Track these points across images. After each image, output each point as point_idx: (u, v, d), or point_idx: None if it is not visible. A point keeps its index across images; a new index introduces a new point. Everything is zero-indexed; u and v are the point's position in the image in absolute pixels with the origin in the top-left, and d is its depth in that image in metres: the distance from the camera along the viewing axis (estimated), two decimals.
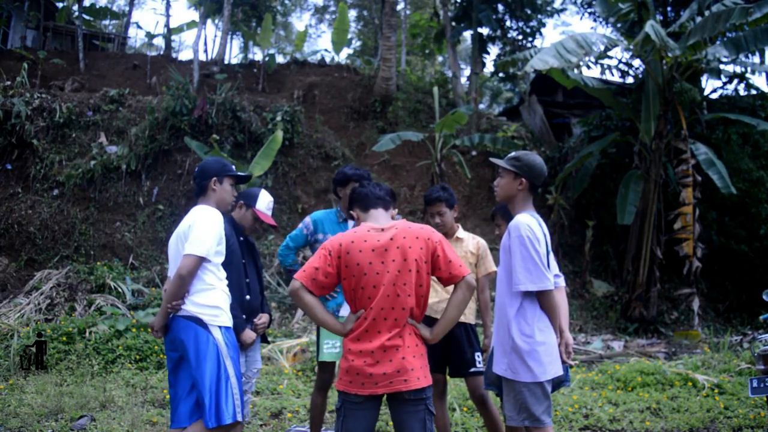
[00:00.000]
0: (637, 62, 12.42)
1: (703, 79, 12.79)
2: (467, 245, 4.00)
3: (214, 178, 3.42)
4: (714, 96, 13.21)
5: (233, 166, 3.58)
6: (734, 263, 11.79)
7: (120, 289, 8.49)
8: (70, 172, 10.80)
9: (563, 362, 3.02)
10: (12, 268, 9.44)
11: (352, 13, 24.36)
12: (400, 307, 2.70)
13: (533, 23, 17.92)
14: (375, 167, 13.26)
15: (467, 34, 19.57)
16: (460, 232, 4.05)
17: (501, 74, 18.94)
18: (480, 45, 17.47)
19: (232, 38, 21.39)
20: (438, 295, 3.78)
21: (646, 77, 11.15)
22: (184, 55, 33.16)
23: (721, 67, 11.62)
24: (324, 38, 34.48)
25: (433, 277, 2.83)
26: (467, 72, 23.20)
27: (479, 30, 17.08)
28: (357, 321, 2.74)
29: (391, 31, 14.19)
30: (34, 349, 6.12)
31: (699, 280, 10.78)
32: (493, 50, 19.52)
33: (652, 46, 9.22)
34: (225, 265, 3.42)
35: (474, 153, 13.85)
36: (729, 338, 8.86)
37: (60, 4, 18.29)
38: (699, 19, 9.86)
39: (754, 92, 12.82)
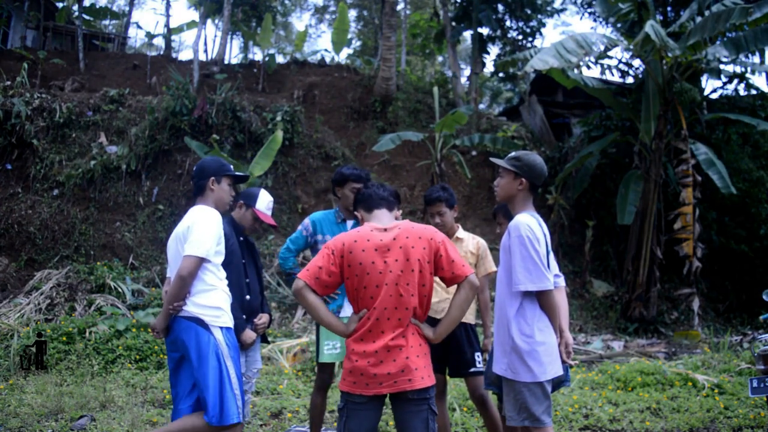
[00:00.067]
0: (637, 62, 12.43)
1: (703, 79, 12.79)
2: (467, 245, 4.00)
3: (212, 178, 3.42)
4: (714, 96, 13.22)
5: (231, 166, 3.58)
6: (734, 263, 11.79)
7: (120, 289, 8.49)
8: (70, 172, 10.80)
9: (563, 362, 3.02)
10: (12, 268, 9.45)
11: (352, 13, 24.38)
12: (404, 307, 2.70)
13: (533, 23, 17.92)
14: (375, 167, 13.26)
15: (467, 34, 19.59)
16: (460, 232, 4.05)
17: (501, 74, 18.94)
18: (480, 45, 17.48)
19: (232, 38, 21.40)
20: (438, 295, 3.78)
21: (646, 77, 11.16)
22: (184, 55, 33.21)
23: (721, 67, 11.62)
24: (324, 38, 34.53)
25: (435, 278, 2.84)
26: (467, 72, 23.22)
27: (479, 30, 17.09)
28: (360, 321, 2.74)
29: (391, 31, 14.20)
30: (34, 349, 6.11)
31: (699, 280, 10.78)
32: (493, 50, 19.55)
33: (652, 46, 9.22)
34: (225, 265, 3.42)
35: (474, 153, 13.85)
36: (729, 338, 8.86)
37: (60, 4, 18.28)
38: (699, 19, 9.86)
39: (754, 92, 12.82)
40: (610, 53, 11.19)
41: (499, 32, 17.84)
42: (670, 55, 9.51)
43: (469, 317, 3.93)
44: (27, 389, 5.41)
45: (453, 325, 2.82)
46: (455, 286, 2.82)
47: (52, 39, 17.24)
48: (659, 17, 12.76)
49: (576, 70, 11.32)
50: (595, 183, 12.57)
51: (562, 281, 3.28)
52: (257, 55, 19.67)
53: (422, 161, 13.33)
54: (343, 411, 2.73)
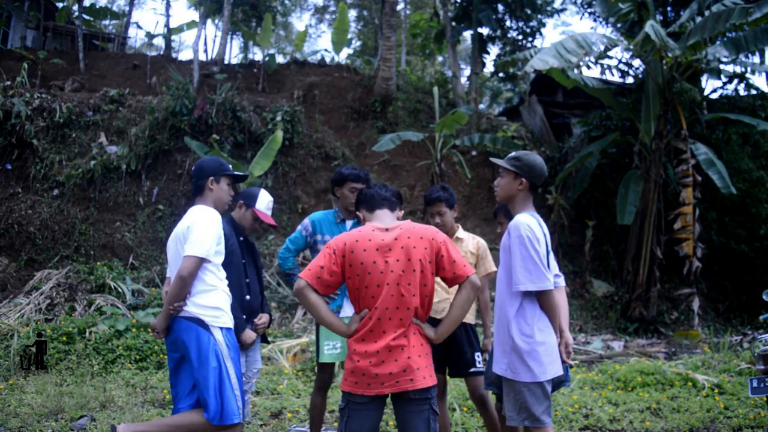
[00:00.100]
0: (637, 62, 12.43)
1: (703, 79, 12.79)
2: (467, 245, 4.00)
3: (211, 178, 3.42)
4: (714, 96, 13.21)
5: (230, 165, 3.58)
6: (734, 263, 11.79)
7: (120, 289, 8.48)
8: (70, 172, 10.80)
9: (563, 362, 3.02)
10: (12, 268, 9.45)
11: (352, 13, 24.38)
12: (405, 307, 2.70)
13: (533, 23, 17.92)
14: (375, 167, 13.26)
15: (467, 34, 19.58)
16: (460, 232, 4.05)
17: (501, 74, 18.94)
18: (480, 45, 17.48)
19: (232, 38, 21.40)
20: (438, 295, 3.78)
21: (646, 77, 11.15)
22: (184, 55, 33.20)
23: (721, 67, 11.62)
24: (324, 38, 34.53)
25: (436, 278, 2.84)
26: (467, 72, 23.22)
27: (479, 30, 17.09)
28: (361, 321, 2.74)
29: (391, 31, 14.20)
30: (34, 349, 6.11)
31: (699, 280, 10.78)
32: (493, 50, 19.54)
33: (652, 46, 9.22)
34: (225, 265, 3.42)
35: (474, 153, 13.85)
36: (729, 338, 8.86)
37: (60, 4, 18.28)
38: (699, 19, 9.86)
39: (754, 92, 12.82)
40: (610, 53, 11.20)
41: (499, 32, 17.84)
42: (670, 55, 9.51)
43: (469, 317, 3.93)
44: (27, 389, 5.41)
45: (454, 326, 2.82)
46: (456, 286, 2.82)
47: (52, 39, 17.24)
48: (659, 17, 12.76)
49: (576, 70, 11.32)
50: (595, 183, 12.57)
51: (562, 281, 3.28)
52: (257, 55, 19.69)
53: (422, 161, 13.33)
54: (345, 411, 2.73)
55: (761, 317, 5.30)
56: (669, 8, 13.81)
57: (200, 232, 3.20)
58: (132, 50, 22.04)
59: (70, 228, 10.33)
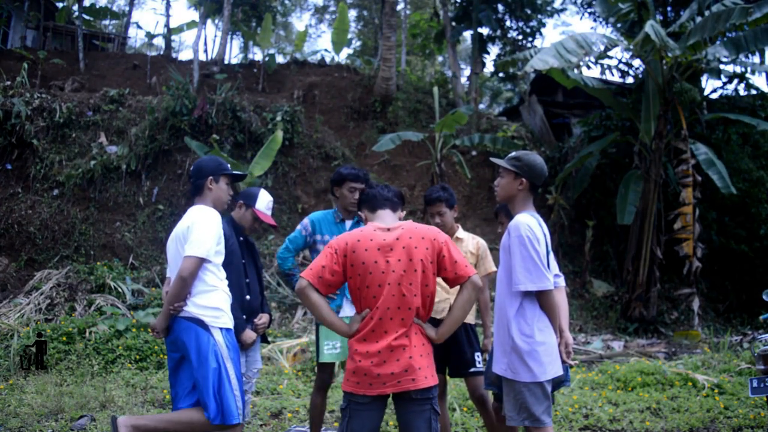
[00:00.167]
0: (637, 62, 12.43)
1: (703, 79, 12.79)
2: (467, 245, 4.00)
3: (210, 177, 3.42)
4: (714, 96, 13.22)
5: (229, 165, 3.58)
6: (734, 263, 11.79)
7: (120, 289, 8.49)
8: (70, 172, 10.80)
9: (563, 362, 3.02)
10: (12, 268, 9.45)
11: (352, 13, 24.37)
12: (406, 306, 2.70)
13: (533, 23, 17.92)
14: (375, 167, 13.26)
15: (467, 34, 19.58)
16: (460, 232, 4.05)
17: (501, 74, 18.93)
18: (480, 45, 17.47)
19: (232, 38, 21.40)
20: (439, 295, 3.78)
21: (646, 77, 11.15)
22: (184, 55, 33.20)
23: (721, 67, 11.62)
24: (324, 38, 34.50)
25: (438, 278, 2.84)
26: (467, 72, 23.21)
27: (479, 30, 17.08)
28: (363, 321, 2.73)
29: (391, 31, 14.19)
30: (34, 349, 6.11)
31: (699, 280, 10.78)
32: (493, 50, 19.54)
33: (652, 46, 9.22)
34: (225, 265, 3.42)
35: (474, 153, 13.85)
36: (729, 338, 8.86)
37: (60, 4, 18.28)
38: (699, 19, 9.86)
39: (754, 92, 12.82)
40: (610, 53, 11.20)
41: (499, 32, 17.83)
42: (670, 55, 9.51)
43: (470, 317, 3.92)
44: (27, 389, 5.41)
45: (456, 326, 2.82)
46: (457, 286, 2.82)
47: (52, 39, 17.23)
48: (659, 17, 12.76)
49: (576, 70, 11.32)
50: (595, 183, 12.57)
51: (562, 281, 3.28)
52: (257, 55, 19.68)
53: (422, 161, 13.33)
54: (346, 411, 2.73)
55: (761, 317, 5.30)
56: (669, 8, 13.81)
57: (200, 232, 3.20)
58: (132, 50, 22.04)
59: (70, 228, 10.33)
